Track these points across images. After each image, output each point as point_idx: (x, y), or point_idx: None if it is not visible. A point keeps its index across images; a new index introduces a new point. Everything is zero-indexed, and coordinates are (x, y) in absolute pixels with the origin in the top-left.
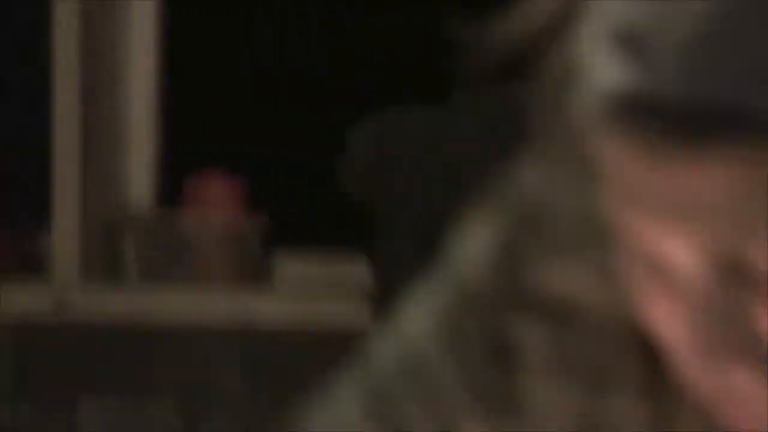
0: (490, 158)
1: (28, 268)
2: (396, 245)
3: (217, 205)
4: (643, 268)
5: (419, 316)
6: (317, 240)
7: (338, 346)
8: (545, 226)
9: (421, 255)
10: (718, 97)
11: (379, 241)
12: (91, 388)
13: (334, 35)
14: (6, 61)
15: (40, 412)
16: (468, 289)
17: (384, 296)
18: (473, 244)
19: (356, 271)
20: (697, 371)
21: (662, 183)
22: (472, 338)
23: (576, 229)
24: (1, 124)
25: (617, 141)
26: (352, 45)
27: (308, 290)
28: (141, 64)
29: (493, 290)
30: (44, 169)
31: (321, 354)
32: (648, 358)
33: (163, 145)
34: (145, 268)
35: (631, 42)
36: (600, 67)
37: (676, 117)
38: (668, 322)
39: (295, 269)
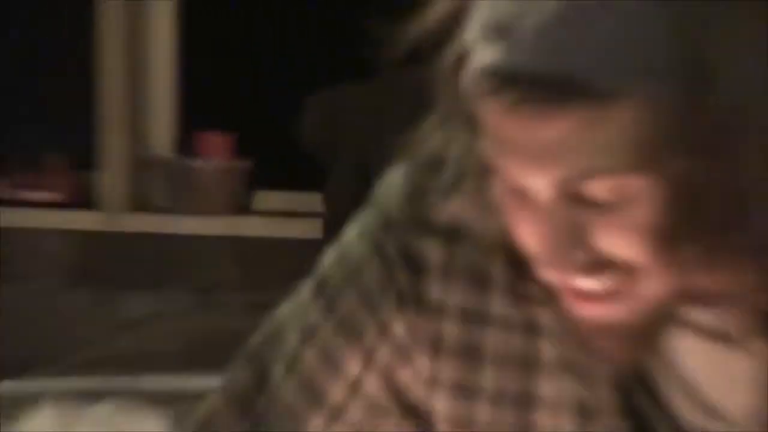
0: (405, 121)
1: (85, 199)
2: (340, 184)
3: (215, 154)
4: (510, 197)
5: (354, 231)
6: (287, 179)
7: (298, 253)
8: (443, 169)
9: (358, 191)
10: (561, 70)
11: (328, 182)
12: (131, 284)
13: (302, 33)
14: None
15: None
16: (389, 215)
17: (332, 220)
18: (393, 183)
19: (314, 202)
20: (548, 272)
21: (523, 134)
22: (389, 249)
23: (464, 170)
24: (58, 96)
25: (491, 104)
26: (310, 38)
27: (278, 215)
28: (162, 54)
29: (406, 216)
30: (94, 128)
31: (287, 258)
32: (514, 262)
33: (179, 109)
34: (165, 198)
35: (498, 32)
36: (478, 51)
37: (530, 85)
38: (528, 235)
39: (270, 199)
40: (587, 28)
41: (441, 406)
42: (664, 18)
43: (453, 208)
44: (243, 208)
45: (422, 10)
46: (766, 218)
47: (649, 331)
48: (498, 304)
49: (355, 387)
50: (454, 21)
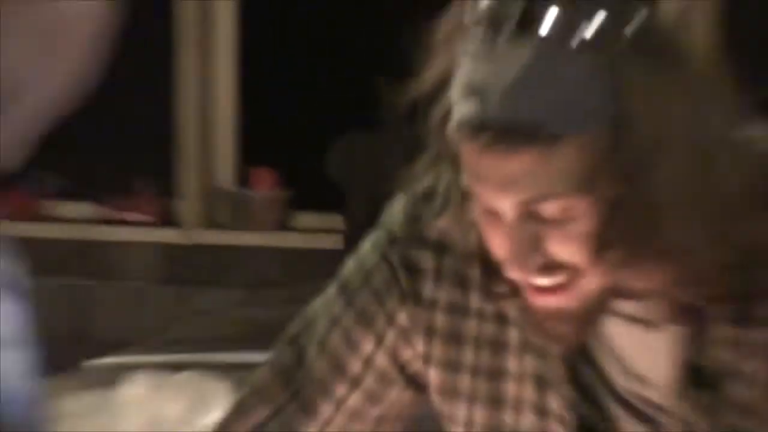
0: (405, 160)
1: (168, 219)
2: (357, 209)
3: (265, 185)
4: (484, 217)
5: (367, 245)
6: (319, 205)
7: (326, 261)
8: (434, 198)
9: (370, 214)
10: (521, 120)
11: (348, 207)
12: (202, 283)
13: (331, 91)
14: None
15: (173, 298)
16: (393, 233)
17: (351, 236)
18: (396, 209)
19: (338, 221)
20: (513, 273)
21: (493, 169)
22: (394, 258)
23: (449, 198)
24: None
25: (469, 146)
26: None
27: (311, 231)
28: (224, 102)
29: (406, 234)
30: (171, 158)
31: (317, 264)
32: (488, 266)
33: (239, 149)
34: (228, 218)
35: (473, 91)
36: (458, 106)
37: (498, 131)
38: (498, 246)
39: (305, 219)
40: (540, 88)
41: (433, 377)
42: (597, 80)
43: (441, 227)
44: (285, 226)
45: (419, 76)
46: (677, 229)
47: (590, 317)
48: (476, 300)
49: (369, 362)
50: (443, 84)
